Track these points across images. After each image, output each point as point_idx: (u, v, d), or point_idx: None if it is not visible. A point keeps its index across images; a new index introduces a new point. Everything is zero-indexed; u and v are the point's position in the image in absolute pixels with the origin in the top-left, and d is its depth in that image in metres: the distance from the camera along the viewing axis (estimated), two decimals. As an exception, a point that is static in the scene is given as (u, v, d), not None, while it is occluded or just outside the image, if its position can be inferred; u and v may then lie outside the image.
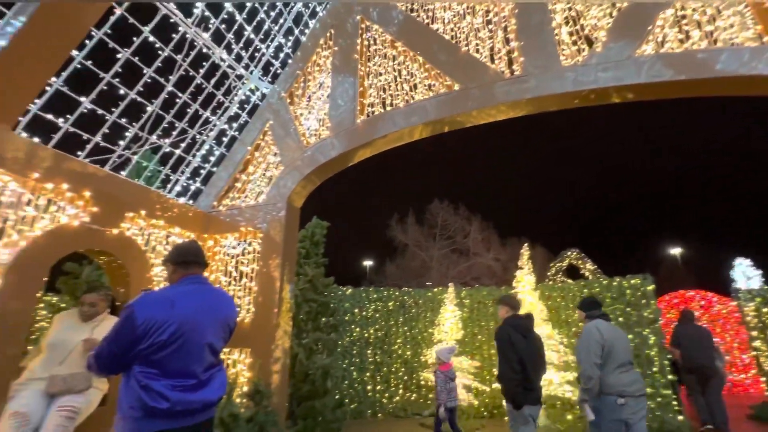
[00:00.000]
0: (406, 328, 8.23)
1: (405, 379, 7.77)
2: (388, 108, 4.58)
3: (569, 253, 10.51)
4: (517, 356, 2.95)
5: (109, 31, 3.63)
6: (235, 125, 5.29)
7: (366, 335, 7.98)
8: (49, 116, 3.57)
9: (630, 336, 5.78)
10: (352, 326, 7.92)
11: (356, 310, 8.07)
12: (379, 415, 7.56)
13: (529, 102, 3.98)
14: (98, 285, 3.20)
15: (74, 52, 3.53)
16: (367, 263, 27.52)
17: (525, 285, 6.77)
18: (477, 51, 4.39)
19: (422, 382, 7.78)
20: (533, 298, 6.68)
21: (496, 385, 6.91)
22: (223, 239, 4.64)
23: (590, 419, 2.95)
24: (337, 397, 5.36)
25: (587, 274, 8.97)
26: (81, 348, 2.77)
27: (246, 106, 5.39)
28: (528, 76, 3.95)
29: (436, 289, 8.62)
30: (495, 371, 7.19)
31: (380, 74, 4.84)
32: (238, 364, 3.85)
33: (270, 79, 5.44)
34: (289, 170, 4.73)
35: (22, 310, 2.83)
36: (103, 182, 3.52)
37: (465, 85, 4.21)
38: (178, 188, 4.89)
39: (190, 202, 4.98)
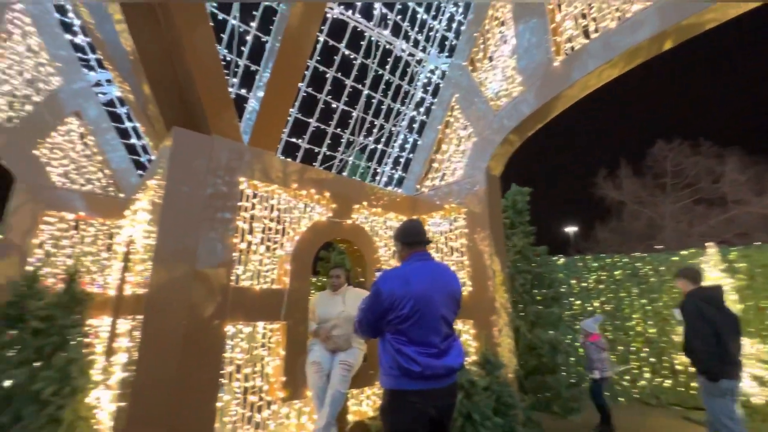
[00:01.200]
0: (644, 300, 6.79)
1: (652, 362, 6.44)
2: (593, 36, 3.74)
3: None
4: (711, 329, 2.91)
5: (318, 58, 4.38)
6: (422, 110, 5.52)
7: (589, 309, 7.04)
8: (292, 139, 4.63)
9: None
10: (571, 299, 7.14)
11: (573, 281, 7.22)
12: (620, 399, 6.58)
13: None
14: (341, 264, 4.10)
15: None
16: (569, 230, 24.30)
17: None
18: None
19: (677, 367, 6.27)
20: None
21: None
22: (430, 218, 4.93)
23: None
24: (564, 373, 4.92)
25: None
26: (339, 317, 3.60)
27: (428, 88, 5.53)
28: None
29: (684, 252, 6.72)
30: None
31: (575, -1, 4.00)
32: (464, 334, 4.06)
33: (447, 54, 5.38)
34: (481, 140, 4.57)
35: (301, 288, 3.75)
36: (334, 184, 4.27)
37: (713, -36, 2.96)
38: (384, 179, 5.51)
39: (397, 189, 5.53)
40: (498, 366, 3.48)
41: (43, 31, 4.91)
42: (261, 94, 4.00)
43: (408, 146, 5.58)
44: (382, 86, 4.96)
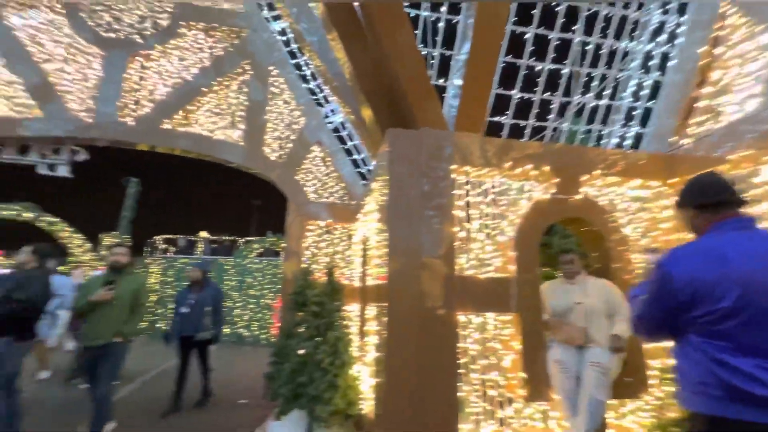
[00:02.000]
0: None
1: None
2: None
3: None
4: None
5: (515, 18, 3.89)
6: (661, 38, 4.13)
7: None
8: (495, 118, 4.29)
9: None
10: None
11: None
12: None
13: None
14: (569, 249, 3.44)
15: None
16: None
17: None
18: None
19: None
20: None
21: None
22: (700, 179, 3.56)
23: None
24: None
25: None
26: (577, 309, 3.11)
27: (668, 6, 4.09)
28: None
29: None
30: None
31: None
32: None
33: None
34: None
35: (530, 280, 3.33)
36: (553, 155, 3.65)
37: None
38: (614, 140, 4.41)
39: (632, 151, 4.33)
40: None
41: (290, 85, 6.39)
42: (456, 80, 3.87)
43: (644, 92, 4.28)
44: (600, 24, 3.97)
